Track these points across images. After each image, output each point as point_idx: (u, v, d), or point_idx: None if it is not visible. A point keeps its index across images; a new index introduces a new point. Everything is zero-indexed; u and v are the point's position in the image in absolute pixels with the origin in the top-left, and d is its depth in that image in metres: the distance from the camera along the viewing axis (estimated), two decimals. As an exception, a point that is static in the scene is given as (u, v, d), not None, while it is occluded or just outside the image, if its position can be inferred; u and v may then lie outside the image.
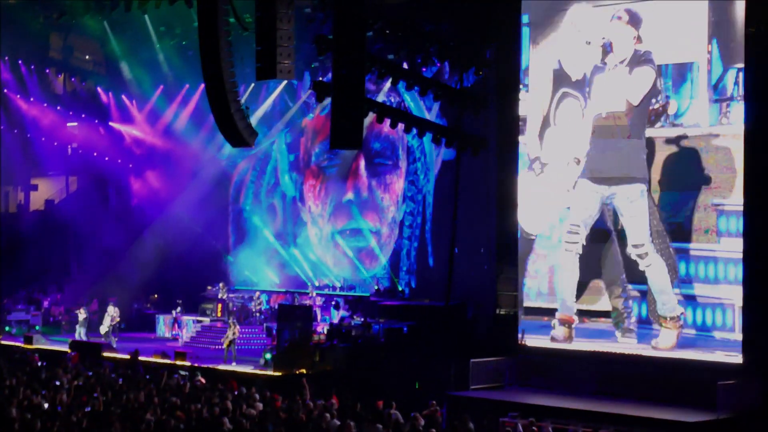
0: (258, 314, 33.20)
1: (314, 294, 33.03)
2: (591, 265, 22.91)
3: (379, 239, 33.61)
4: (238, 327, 28.73)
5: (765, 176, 20.68)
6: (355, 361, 25.60)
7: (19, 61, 38.36)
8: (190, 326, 33.77)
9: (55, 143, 41.01)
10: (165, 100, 38.80)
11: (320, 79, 27.22)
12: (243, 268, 36.72)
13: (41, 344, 31.72)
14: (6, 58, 37.63)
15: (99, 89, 40.03)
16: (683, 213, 21.50)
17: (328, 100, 22.33)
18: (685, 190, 21.49)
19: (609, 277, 22.64)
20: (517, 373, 23.43)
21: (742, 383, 19.87)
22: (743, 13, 20.77)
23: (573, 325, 23.11)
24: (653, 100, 21.79)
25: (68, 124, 40.98)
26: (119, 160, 40.88)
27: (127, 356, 26.90)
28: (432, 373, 23.32)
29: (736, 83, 20.77)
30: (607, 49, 22.70)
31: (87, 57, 39.85)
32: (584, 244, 22.99)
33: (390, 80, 26.37)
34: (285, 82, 34.34)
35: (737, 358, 20.51)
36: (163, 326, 35.27)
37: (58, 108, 40.10)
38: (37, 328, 35.45)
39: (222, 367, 26.88)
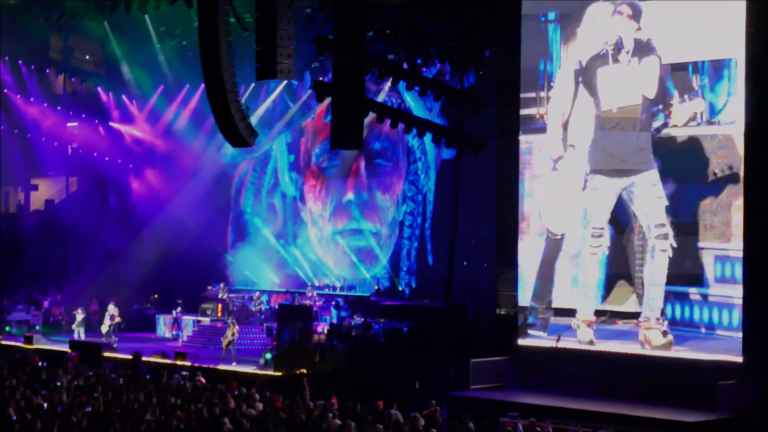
0: (258, 314, 33.22)
1: (314, 294, 33.04)
2: (619, 264, 22.69)
3: (379, 239, 33.62)
4: (237, 327, 28.73)
5: (765, 176, 20.66)
6: (355, 362, 25.60)
7: (20, 62, 38.38)
8: (190, 326, 33.79)
9: (56, 143, 41.01)
10: (165, 101, 38.81)
11: (320, 79, 27.16)
12: (243, 268, 36.72)
13: (41, 344, 31.73)
14: (6, 58, 37.65)
15: (99, 89, 40.06)
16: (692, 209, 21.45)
17: (328, 100, 22.37)
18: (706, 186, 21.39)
19: (637, 276, 22.37)
20: (518, 373, 23.41)
21: (743, 383, 19.85)
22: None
23: (594, 327, 22.90)
24: (685, 97, 21.56)
25: (68, 125, 40.98)
26: (119, 161, 40.89)
27: (128, 356, 26.92)
28: (432, 373, 23.32)
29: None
30: (618, 45, 22.55)
31: (87, 57, 39.90)
32: (609, 245, 22.78)
33: (390, 80, 26.37)
34: (285, 82, 34.35)
35: (738, 357, 20.49)
36: (164, 326, 35.28)
37: (59, 108, 40.12)
38: (37, 328, 35.44)
39: (222, 367, 26.88)
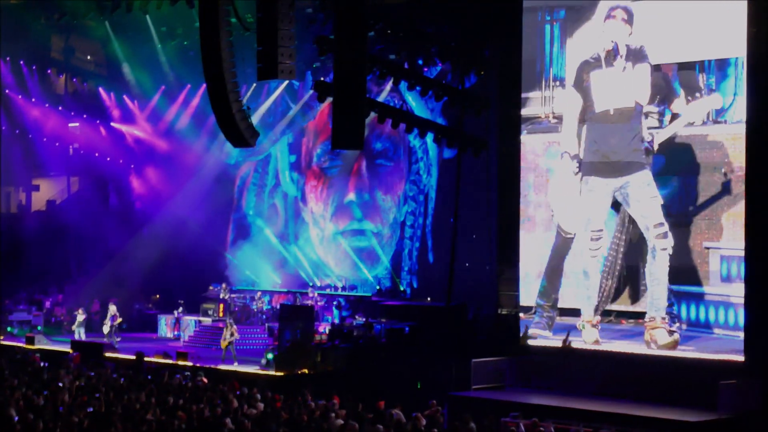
0: (260, 314, 33.24)
1: (315, 294, 33.06)
2: (620, 264, 22.64)
3: (380, 240, 33.64)
4: (235, 327, 28.76)
5: (766, 175, 20.68)
6: (357, 362, 25.60)
7: (21, 62, 38.42)
8: (192, 326, 33.81)
9: (57, 144, 41.06)
10: (166, 101, 38.86)
11: (322, 79, 27.18)
12: (244, 268, 36.74)
13: (43, 345, 31.75)
14: (8, 58, 37.70)
15: (100, 90, 40.09)
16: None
17: (329, 100, 22.38)
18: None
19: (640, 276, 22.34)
20: (519, 373, 23.41)
21: (744, 383, 19.85)
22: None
23: (599, 327, 22.87)
24: (697, 95, 21.53)
25: (70, 125, 41.02)
26: (121, 161, 40.93)
27: (129, 357, 26.93)
28: (433, 373, 23.31)
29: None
30: (614, 50, 22.56)
31: (88, 58, 39.94)
32: (608, 246, 22.73)
33: (391, 81, 26.37)
34: (286, 82, 34.38)
35: (739, 357, 20.49)
36: (165, 326, 35.30)
37: (60, 109, 40.17)
38: (38, 328, 35.47)
39: (224, 367, 26.90)
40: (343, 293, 33.63)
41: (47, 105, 39.73)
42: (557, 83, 23.88)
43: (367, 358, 25.68)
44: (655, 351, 21.71)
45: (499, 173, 25.26)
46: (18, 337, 33.87)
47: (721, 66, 21.09)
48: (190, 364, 26.64)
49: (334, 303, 32.58)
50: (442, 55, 26.13)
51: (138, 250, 37.46)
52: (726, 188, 21.01)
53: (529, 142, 24.36)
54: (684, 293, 21.48)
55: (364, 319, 28.79)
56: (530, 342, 23.79)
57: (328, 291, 34.08)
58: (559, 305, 23.59)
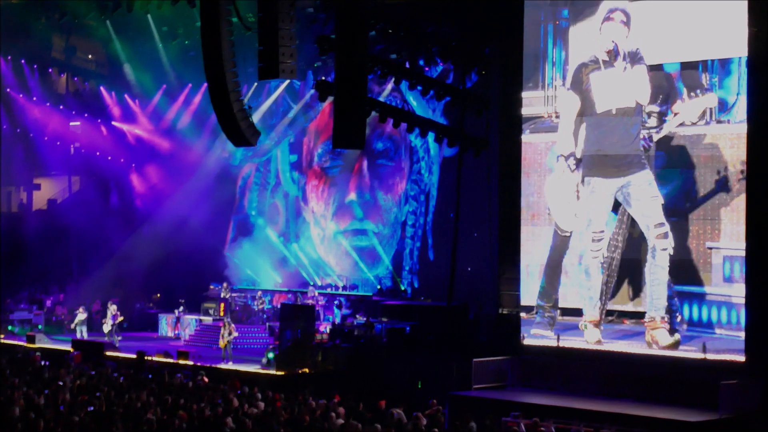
0: (261, 314, 33.25)
1: (316, 293, 33.06)
2: (621, 265, 22.62)
3: (381, 239, 33.64)
4: (233, 326, 28.77)
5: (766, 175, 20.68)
6: (358, 361, 25.60)
7: (22, 61, 38.45)
8: (192, 325, 33.83)
9: (58, 143, 41.09)
10: (167, 100, 38.87)
11: (323, 78, 27.18)
12: (245, 267, 36.75)
13: (44, 343, 31.76)
14: (9, 58, 37.72)
15: (101, 89, 40.10)
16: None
17: (330, 100, 22.37)
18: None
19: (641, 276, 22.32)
20: (520, 373, 23.40)
21: (745, 383, 19.84)
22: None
23: (601, 327, 22.85)
24: (698, 92, 21.50)
25: (71, 124, 41.04)
26: (122, 160, 40.95)
27: (130, 356, 26.94)
28: (434, 372, 23.32)
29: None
30: (614, 51, 22.56)
31: (89, 57, 39.96)
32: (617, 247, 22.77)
33: (392, 81, 26.36)
34: (287, 82, 34.38)
35: (740, 357, 20.48)
36: (166, 326, 35.31)
37: (61, 108, 40.21)
38: (39, 327, 35.50)
39: (224, 366, 26.91)
40: (344, 293, 33.63)
41: (48, 104, 39.75)
42: (559, 83, 23.87)
43: (368, 358, 25.67)
44: (656, 351, 21.68)
45: (500, 173, 25.24)
46: (19, 336, 33.90)
47: (724, 65, 21.08)
48: (190, 363, 26.65)
49: (335, 302, 32.57)
50: (443, 55, 26.11)
51: (139, 249, 37.48)
52: (728, 188, 20.99)
53: (532, 142, 24.34)
54: (686, 293, 21.46)
55: (364, 319, 28.78)
56: (531, 342, 23.78)
57: (329, 290, 34.09)
58: (561, 305, 23.58)
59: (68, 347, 30.01)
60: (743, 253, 20.63)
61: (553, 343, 23.35)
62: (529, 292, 24.09)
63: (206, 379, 22.42)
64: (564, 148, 23.66)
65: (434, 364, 23.71)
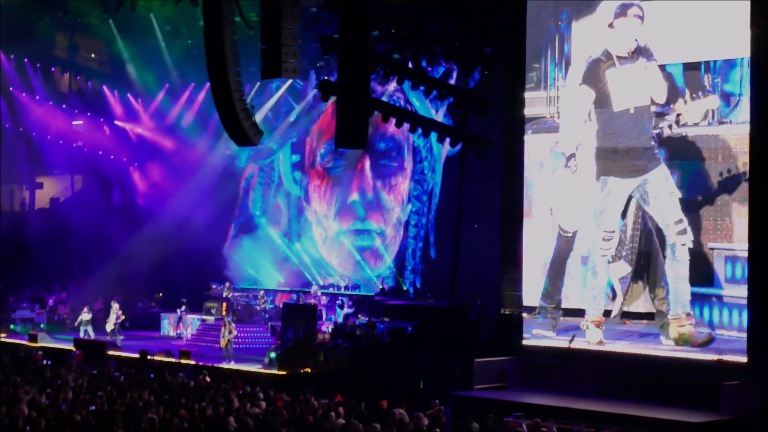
0: (263, 313, 33.25)
1: (319, 293, 33.07)
2: (630, 264, 22.56)
3: (384, 239, 33.64)
4: (233, 325, 28.78)
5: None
6: (359, 361, 25.60)
7: (25, 60, 38.49)
8: (194, 325, 33.84)
9: (61, 142, 41.12)
10: (170, 99, 38.90)
11: (326, 78, 27.19)
12: (247, 267, 36.76)
13: (46, 342, 31.79)
14: (12, 56, 37.74)
15: (104, 88, 40.13)
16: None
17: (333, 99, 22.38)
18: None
19: (652, 276, 22.18)
20: (521, 374, 23.38)
21: (747, 384, 19.83)
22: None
23: (603, 327, 22.81)
24: (700, 93, 21.48)
25: (73, 123, 41.07)
26: (124, 159, 40.98)
27: (131, 355, 26.95)
28: (436, 373, 23.32)
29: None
30: (627, 47, 22.46)
31: (92, 56, 39.99)
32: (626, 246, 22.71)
33: (395, 81, 26.37)
34: (289, 81, 34.39)
35: (742, 358, 20.46)
36: (168, 325, 35.33)
37: (64, 107, 40.23)
38: (41, 326, 35.52)
39: (226, 365, 26.92)
40: (346, 292, 33.64)
41: (51, 103, 39.78)
42: (562, 83, 23.83)
43: (370, 358, 25.67)
44: (656, 351, 21.64)
45: (503, 173, 25.23)
46: (21, 334, 33.94)
47: (728, 66, 21.05)
48: (192, 362, 26.66)
49: (337, 302, 32.58)
50: (445, 55, 26.12)
51: (141, 248, 37.49)
52: (731, 189, 20.95)
53: (534, 142, 24.31)
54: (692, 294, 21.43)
55: (366, 319, 28.78)
56: (533, 342, 23.77)
57: (331, 290, 34.10)
58: (564, 306, 23.56)
59: (70, 346, 30.04)
60: (746, 254, 20.62)
61: (555, 343, 23.31)
62: (530, 293, 24.08)
63: (208, 379, 22.43)
64: (567, 147, 23.61)
65: (436, 364, 23.70)
